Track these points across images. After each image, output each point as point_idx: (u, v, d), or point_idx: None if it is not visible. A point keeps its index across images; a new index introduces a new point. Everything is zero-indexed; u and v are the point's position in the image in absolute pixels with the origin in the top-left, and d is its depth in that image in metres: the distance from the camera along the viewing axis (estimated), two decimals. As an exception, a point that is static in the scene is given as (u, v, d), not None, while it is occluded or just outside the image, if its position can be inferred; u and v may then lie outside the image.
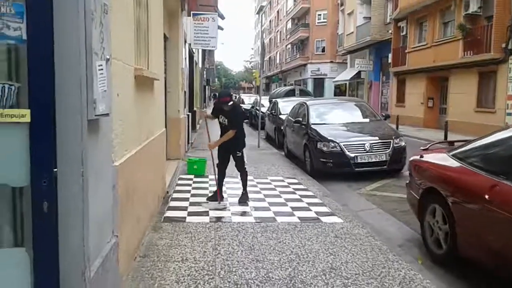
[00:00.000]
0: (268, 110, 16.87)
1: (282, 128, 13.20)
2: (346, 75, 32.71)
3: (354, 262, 4.27)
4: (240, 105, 7.43)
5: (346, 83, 33.88)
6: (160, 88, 6.41)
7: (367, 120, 10.23)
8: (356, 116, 10.34)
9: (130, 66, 4.06)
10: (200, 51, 19.35)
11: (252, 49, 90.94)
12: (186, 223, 5.46)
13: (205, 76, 30.00)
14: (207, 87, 29.72)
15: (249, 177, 8.44)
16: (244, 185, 6.77)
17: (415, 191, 5.01)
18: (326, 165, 8.79)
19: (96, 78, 2.68)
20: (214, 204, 6.34)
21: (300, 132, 10.18)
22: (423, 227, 4.80)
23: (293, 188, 7.69)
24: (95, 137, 2.89)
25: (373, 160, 8.63)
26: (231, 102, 6.46)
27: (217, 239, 4.88)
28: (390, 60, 26.03)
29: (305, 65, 45.10)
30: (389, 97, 27.13)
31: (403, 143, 9.07)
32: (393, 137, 8.99)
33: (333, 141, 8.78)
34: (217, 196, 6.54)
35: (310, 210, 6.22)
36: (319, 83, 43.31)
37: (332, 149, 8.72)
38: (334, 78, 37.85)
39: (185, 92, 12.04)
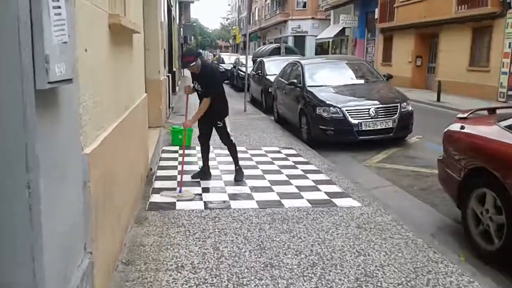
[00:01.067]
0: (252, 70, 15.73)
1: (270, 90, 12.19)
2: (330, 32, 31.47)
3: (391, 265, 3.44)
4: (215, 64, 6.26)
5: (329, 41, 32.69)
6: (139, 44, 5.31)
7: (368, 81, 9.30)
8: (356, 77, 9.40)
9: (103, 11, 3.00)
10: (177, 4, 17.87)
11: (229, 5, 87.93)
12: (177, 211, 4.54)
13: (182, 33, 28.37)
14: (184, 45, 28.15)
15: (240, 148, 7.56)
16: (235, 160, 5.82)
17: (454, 171, 4.16)
18: (326, 133, 7.91)
19: (49, 22, 1.67)
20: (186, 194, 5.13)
21: (295, 96, 9.21)
22: (466, 215, 3.98)
23: (293, 161, 6.80)
24: (50, 117, 1.91)
25: (379, 127, 7.77)
26: (193, 63, 5.32)
27: (217, 233, 3.98)
28: (376, 16, 24.91)
29: (285, 21, 43.47)
30: (375, 56, 26.19)
31: (410, 108, 8.22)
32: (400, 101, 8.11)
33: (334, 106, 7.86)
34: (205, 172, 5.62)
35: (319, 189, 5.36)
36: (299, 41, 41.84)
37: (333, 115, 7.81)
38: (316, 35, 36.55)
39: (164, 50, 10.85)
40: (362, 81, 9.27)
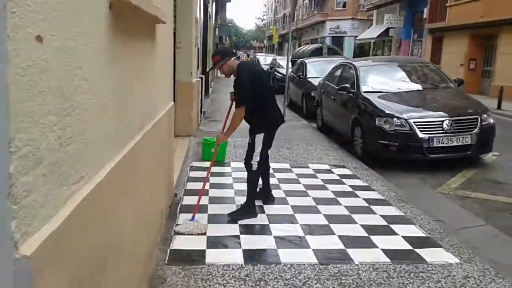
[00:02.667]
0: (292, 72, 14.42)
1: (313, 94, 10.90)
2: (372, 32, 29.82)
3: None
4: (250, 65, 4.84)
5: (370, 42, 31.04)
6: (166, 39, 4.12)
7: (437, 87, 7.87)
8: (422, 81, 7.98)
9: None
10: (214, 2, 16.82)
11: (265, 5, 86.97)
12: (207, 266, 3.31)
13: (217, 33, 27.38)
14: (219, 45, 27.17)
15: (284, 165, 6.35)
16: (248, 193, 4.44)
17: None
18: (387, 149, 6.55)
19: None
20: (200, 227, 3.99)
21: (346, 103, 7.88)
22: None
23: (350, 186, 5.49)
24: None
25: (454, 143, 6.35)
26: (221, 62, 4.30)
27: (264, 311, 2.74)
28: (425, 16, 23.19)
29: (323, 22, 41.95)
30: (421, 58, 24.42)
31: (491, 120, 6.76)
32: (481, 112, 6.67)
33: (398, 117, 6.49)
34: (246, 209, 4.38)
35: (395, 232, 4.05)
36: (337, 41, 40.24)
37: (398, 128, 6.44)
38: (355, 36, 34.95)
39: (198, 49, 9.71)
40: (429, 87, 7.84)
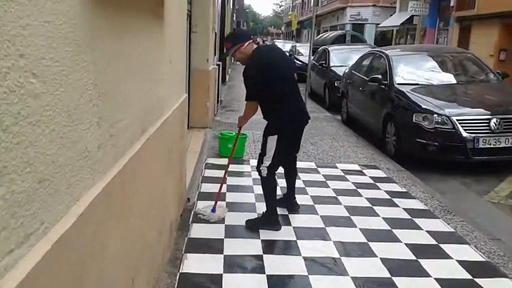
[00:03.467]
0: (313, 60, 13.65)
1: (336, 84, 10.19)
2: (395, 20, 28.68)
3: None
4: (266, 52, 3.89)
5: (393, 30, 29.94)
6: (179, 18, 3.47)
7: (481, 80, 7.10)
8: (462, 74, 7.23)
9: None
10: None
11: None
12: (224, 299, 2.71)
13: (234, 18, 26.58)
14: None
15: (309, 164, 5.73)
16: (266, 201, 3.75)
17: None
18: (425, 149, 5.84)
19: None
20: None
21: (377, 96, 7.17)
22: None
23: (386, 192, 4.84)
24: None
25: (502, 144, 5.62)
26: (232, 50, 3.65)
27: None
28: (452, 3, 22.08)
29: (343, 8, 40.73)
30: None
31: (544, 119, 6.01)
32: (532, 110, 5.92)
33: (439, 113, 5.77)
34: (267, 219, 3.75)
35: (448, 255, 3.38)
36: (358, 29, 39.01)
37: (438, 126, 5.72)
38: (376, 24, 33.79)
39: (215, 34, 9.05)
40: (471, 80, 7.08)
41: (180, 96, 3.68)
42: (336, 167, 5.75)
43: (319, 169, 5.61)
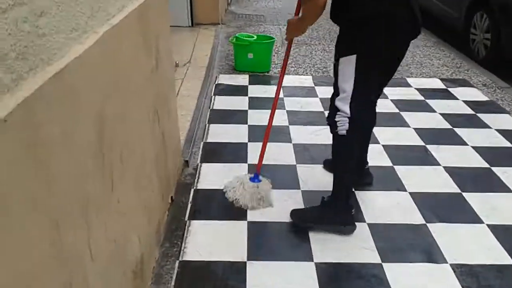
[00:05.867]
0: None
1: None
2: None
3: None
4: None
5: None
6: None
7: None
8: None
9: None
10: None
11: None
12: None
13: None
14: None
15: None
16: (334, 179, 2.06)
17: None
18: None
19: None
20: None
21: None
22: None
23: (498, 130, 3.07)
24: None
25: None
26: None
27: None
28: None
29: None
30: None
31: None
32: None
33: None
34: (334, 211, 2.05)
35: None
36: None
37: None
38: None
39: None
40: None
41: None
42: (408, 83, 3.90)
43: (384, 89, 3.76)
